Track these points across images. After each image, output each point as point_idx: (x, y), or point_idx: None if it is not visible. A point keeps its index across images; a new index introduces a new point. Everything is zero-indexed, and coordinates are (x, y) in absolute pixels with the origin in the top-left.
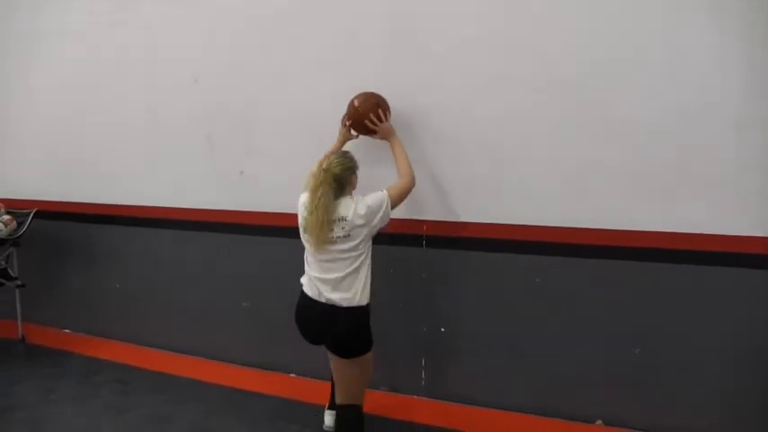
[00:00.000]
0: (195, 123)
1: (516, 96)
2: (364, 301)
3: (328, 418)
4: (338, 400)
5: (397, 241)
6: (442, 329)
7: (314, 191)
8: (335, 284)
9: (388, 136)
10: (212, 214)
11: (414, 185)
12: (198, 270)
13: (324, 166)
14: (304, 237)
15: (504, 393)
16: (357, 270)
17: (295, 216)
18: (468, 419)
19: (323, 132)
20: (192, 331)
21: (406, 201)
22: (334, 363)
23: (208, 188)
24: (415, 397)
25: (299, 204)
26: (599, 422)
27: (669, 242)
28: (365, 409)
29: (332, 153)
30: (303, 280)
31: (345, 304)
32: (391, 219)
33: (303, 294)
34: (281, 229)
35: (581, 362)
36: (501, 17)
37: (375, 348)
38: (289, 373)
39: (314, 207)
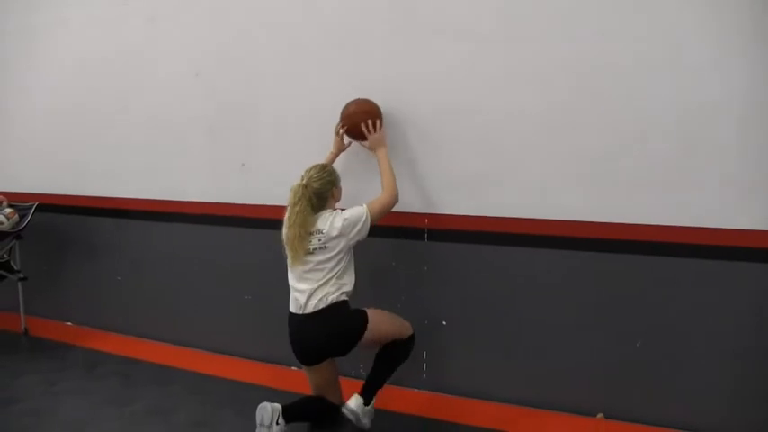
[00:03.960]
0: (196, 116)
1: (518, 94)
2: (338, 299)
3: (352, 400)
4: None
5: (399, 234)
6: (444, 323)
7: (292, 206)
8: (310, 294)
9: (377, 147)
10: (214, 207)
11: (396, 201)
12: (200, 263)
13: (303, 181)
14: (284, 250)
15: (505, 386)
16: (327, 281)
17: None
18: (470, 412)
19: (324, 126)
20: (195, 324)
21: (408, 192)
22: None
23: (209, 181)
24: (417, 390)
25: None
26: (600, 415)
27: (670, 236)
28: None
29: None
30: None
31: (322, 305)
32: (393, 211)
33: (289, 314)
34: (281, 221)
35: (583, 355)
36: (501, 19)
37: None
38: (290, 366)
39: (291, 222)
